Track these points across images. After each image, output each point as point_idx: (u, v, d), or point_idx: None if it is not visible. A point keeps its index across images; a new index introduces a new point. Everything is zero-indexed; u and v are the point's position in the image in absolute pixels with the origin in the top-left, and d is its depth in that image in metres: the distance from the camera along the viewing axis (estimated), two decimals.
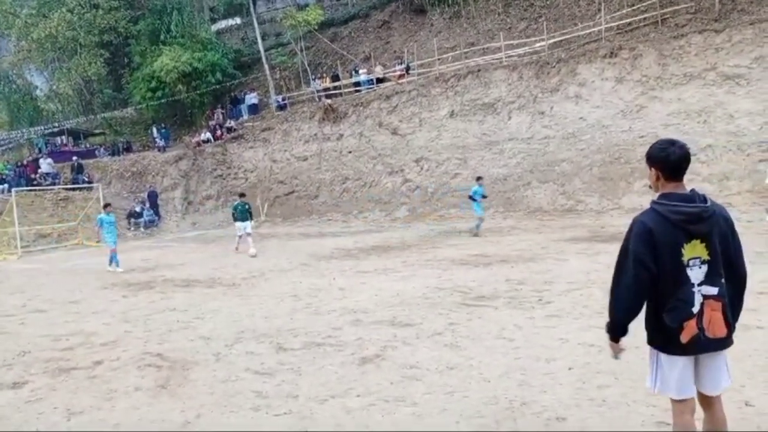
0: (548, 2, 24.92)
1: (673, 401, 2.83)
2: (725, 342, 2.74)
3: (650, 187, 2.93)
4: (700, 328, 2.68)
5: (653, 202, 2.79)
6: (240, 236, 15.16)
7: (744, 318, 5.87)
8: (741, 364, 4.57)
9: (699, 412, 2.86)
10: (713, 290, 2.69)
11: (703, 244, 2.68)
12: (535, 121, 20.77)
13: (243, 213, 15.19)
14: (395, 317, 7.07)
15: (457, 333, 6.21)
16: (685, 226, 2.67)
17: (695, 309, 2.68)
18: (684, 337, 2.69)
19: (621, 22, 21.59)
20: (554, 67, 21.03)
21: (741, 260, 2.81)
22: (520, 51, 22.93)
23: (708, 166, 16.88)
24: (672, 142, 2.79)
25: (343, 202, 24.50)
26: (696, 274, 2.68)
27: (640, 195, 17.44)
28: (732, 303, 2.78)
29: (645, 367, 4.46)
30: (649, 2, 21.34)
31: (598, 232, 14.03)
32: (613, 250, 10.00)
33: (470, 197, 15.50)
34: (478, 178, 16.26)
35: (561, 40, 22.37)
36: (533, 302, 7.36)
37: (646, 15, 21.20)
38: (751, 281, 2.93)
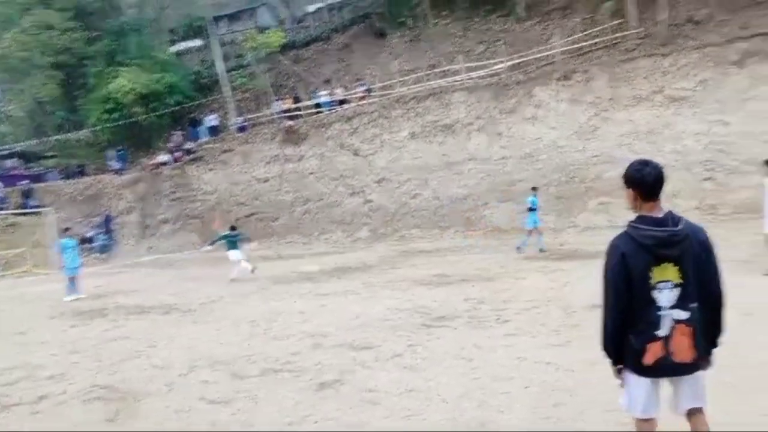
0: (506, 27, 25.61)
1: (637, 420, 2.89)
2: (693, 367, 2.76)
3: (630, 207, 2.94)
4: (667, 352, 2.70)
5: (628, 225, 2.84)
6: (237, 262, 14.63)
7: None
8: None
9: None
10: (684, 315, 2.71)
11: (676, 268, 2.70)
12: (493, 142, 21.18)
13: (233, 243, 14.72)
14: (355, 340, 7.00)
15: (417, 354, 6.19)
16: (654, 249, 2.70)
17: (661, 332, 2.70)
18: (648, 359, 2.74)
19: (574, 46, 22.34)
20: (512, 89, 21.56)
21: (715, 282, 2.77)
22: (479, 73, 23.44)
23: None
24: (646, 163, 2.82)
25: (304, 223, 24.33)
26: (666, 297, 2.70)
27: (595, 213, 17.96)
28: (707, 326, 2.77)
29: (600, 384, 4.55)
30: (601, 27, 22.18)
31: (556, 250, 14.30)
32: (570, 268, 10.25)
33: (530, 209, 14.69)
34: (534, 189, 15.51)
35: (518, 63, 22.99)
36: (492, 321, 7.41)
37: (597, 39, 22.01)
38: None
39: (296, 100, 28.10)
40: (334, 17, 32.64)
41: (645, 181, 2.78)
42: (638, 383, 2.81)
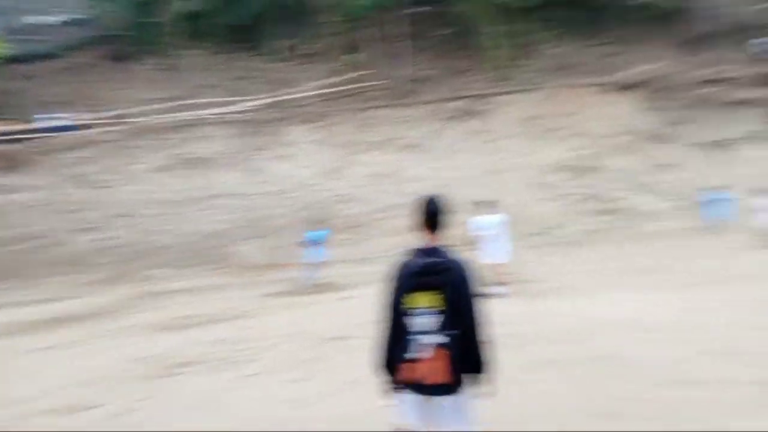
0: (262, 65, 25.99)
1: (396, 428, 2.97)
2: (448, 389, 2.82)
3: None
4: (420, 373, 2.81)
5: (404, 252, 2.99)
6: None
7: None
8: None
9: None
10: (441, 339, 2.80)
11: (437, 296, 2.81)
12: (247, 178, 21.08)
13: None
14: (72, 402, 6.05)
15: (143, 411, 5.58)
16: (418, 277, 2.84)
17: (413, 354, 2.81)
18: (403, 377, 2.87)
19: (325, 90, 23.76)
20: (266, 126, 21.88)
21: (469, 311, 2.85)
22: (235, 108, 23.24)
23: (395, 221, 19.41)
24: (429, 199, 3.04)
25: (24, 265, 20.67)
26: (422, 322, 2.82)
27: (343, 247, 19.01)
28: (464, 351, 2.82)
29: (330, 418, 4.71)
30: (349, 76, 24.06)
31: (308, 285, 14.64)
32: (321, 301, 10.43)
33: (310, 243, 13.85)
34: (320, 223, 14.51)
35: (272, 102, 23.46)
36: (236, 362, 7.15)
37: (347, 87, 23.80)
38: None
39: (19, 121, 24.04)
40: (72, 33, 29.10)
41: (422, 212, 3.01)
42: (402, 398, 2.92)
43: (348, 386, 5.68)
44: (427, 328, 2.81)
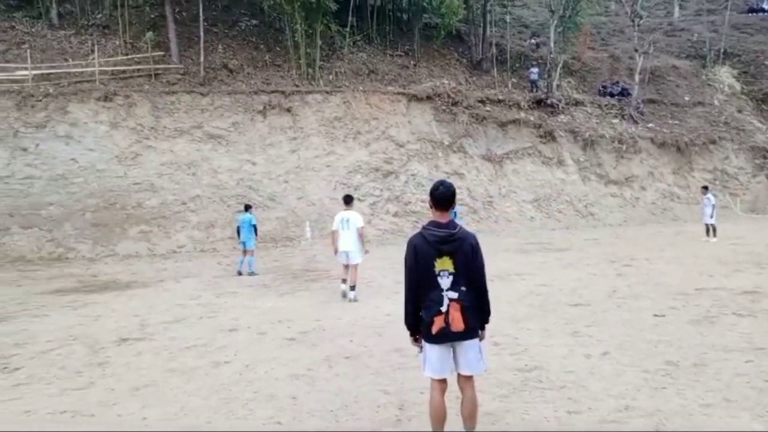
0: (33, 30, 22.60)
1: (432, 380, 3.66)
2: (465, 334, 3.55)
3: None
4: (447, 323, 3.50)
5: (423, 227, 3.68)
6: None
7: (215, 355, 6.54)
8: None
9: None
10: (455, 295, 3.53)
11: (451, 260, 3.54)
12: (16, 159, 18.23)
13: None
14: None
15: None
16: (436, 245, 3.55)
17: (443, 308, 3.51)
18: (434, 329, 3.53)
19: (115, 68, 21.59)
20: (40, 101, 19.14)
21: (478, 275, 3.62)
22: (6, 76, 19.89)
23: (197, 214, 18.53)
24: (441, 183, 3.72)
25: None
26: (444, 282, 3.53)
27: (136, 242, 17.59)
28: (475, 307, 3.58)
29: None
30: (143, 55, 22.17)
31: (89, 281, 13.23)
32: (104, 301, 9.62)
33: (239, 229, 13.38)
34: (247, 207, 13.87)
35: (49, 74, 20.61)
36: None
37: (140, 66, 21.90)
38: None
39: None
40: None
41: (434, 194, 3.66)
42: (431, 350, 3.61)
43: (134, 393, 5.36)
44: (448, 286, 3.54)
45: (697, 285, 9.63)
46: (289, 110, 21.54)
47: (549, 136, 25.24)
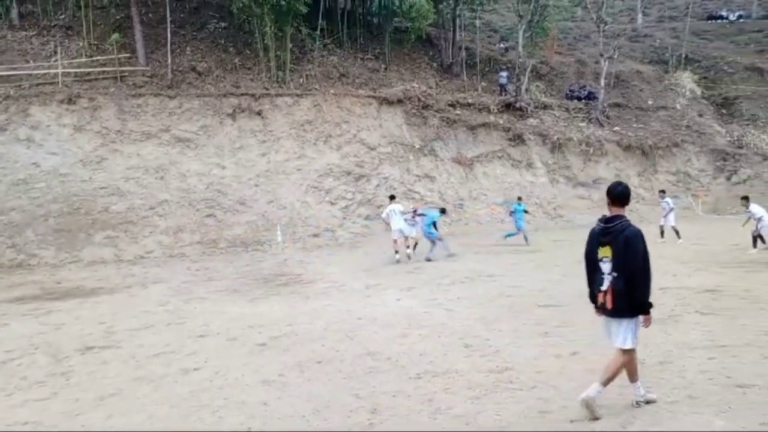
0: (8, 33, 21.92)
1: (633, 351, 4.38)
2: (615, 313, 4.27)
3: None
4: (605, 300, 4.29)
5: (597, 221, 4.48)
6: None
7: (184, 362, 6.42)
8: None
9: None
10: (610, 278, 4.27)
11: (608, 249, 4.27)
12: None
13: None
14: None
15: None
16: (598, 236, 4.38)
17: (603, 288, 4.30)
18: (597, 303, 4.40)
19: (79, 70, 21.08)
20: (0, 103, 18.56)
21: (629, 264, 4.17)
22: None
23: (165, 219, 18.17)
24: (619, 183, 4.48)
25: None
26: (605, 267, 4.31)
27: (102, 247, 17.16)
28: (623, 291, 4.19)
29: None
30: (108, 57, 21.70)
31: (52, 288, 12.85)
32: (68, 308, 9.35)
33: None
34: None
35: (9, 75, 20.00)
36: None
37: (105, 69, 21.42)
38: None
39: None
40: None
41: (610, 192, 4.40)
42: (600, 320, 4.53)
43: (99, 403, 5.22)
44: (606, 271, 4.30)
45: (661, 285, 9.86)
46: (259, 113, 21.34)
47: (518, 139, 25.59)
